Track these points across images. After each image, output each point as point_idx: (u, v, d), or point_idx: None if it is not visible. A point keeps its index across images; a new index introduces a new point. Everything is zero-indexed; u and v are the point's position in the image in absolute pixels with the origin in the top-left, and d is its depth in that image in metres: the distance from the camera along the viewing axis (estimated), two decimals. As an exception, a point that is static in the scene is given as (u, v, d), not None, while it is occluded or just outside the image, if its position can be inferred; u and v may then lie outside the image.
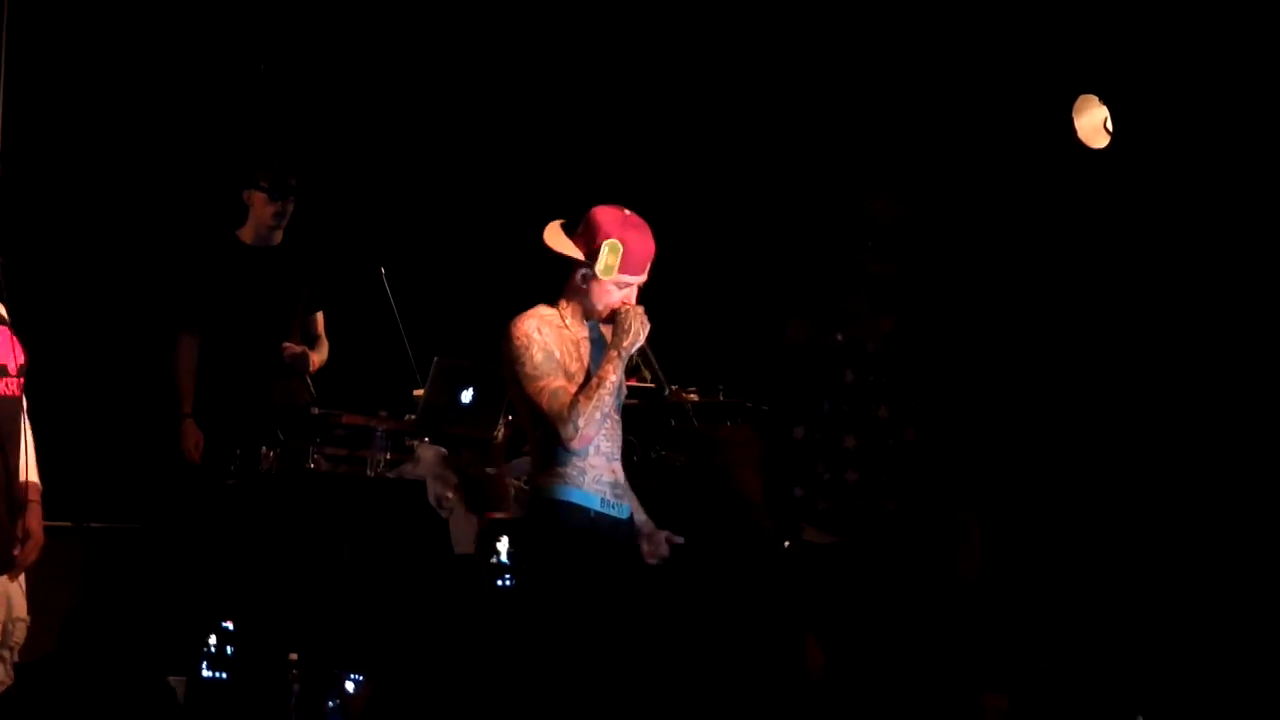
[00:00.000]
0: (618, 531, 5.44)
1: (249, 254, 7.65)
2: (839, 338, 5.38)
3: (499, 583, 6.58)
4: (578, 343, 5.45)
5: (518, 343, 5.37)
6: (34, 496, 5.79)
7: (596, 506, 5.41)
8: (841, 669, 5.12)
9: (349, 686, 6.07)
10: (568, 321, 5.46)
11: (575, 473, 5.39)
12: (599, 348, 5.45)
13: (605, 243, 5.36)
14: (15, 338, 5.81)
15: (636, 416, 6.83)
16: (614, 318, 5.42)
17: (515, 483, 7.11)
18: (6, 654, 5.86)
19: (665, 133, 8.72)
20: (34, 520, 5.78)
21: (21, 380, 5.75)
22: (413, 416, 7.46)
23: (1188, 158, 6.93)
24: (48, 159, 8.21)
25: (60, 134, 8.26)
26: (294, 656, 6.27)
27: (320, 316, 7.82)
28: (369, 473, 7.29)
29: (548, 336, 5.39)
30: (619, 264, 5.36)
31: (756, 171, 8.62)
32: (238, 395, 7.51)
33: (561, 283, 5.50)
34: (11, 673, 5.82)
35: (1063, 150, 7.01)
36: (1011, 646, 5.32)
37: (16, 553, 5.74)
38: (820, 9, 8.16)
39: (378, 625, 6.74)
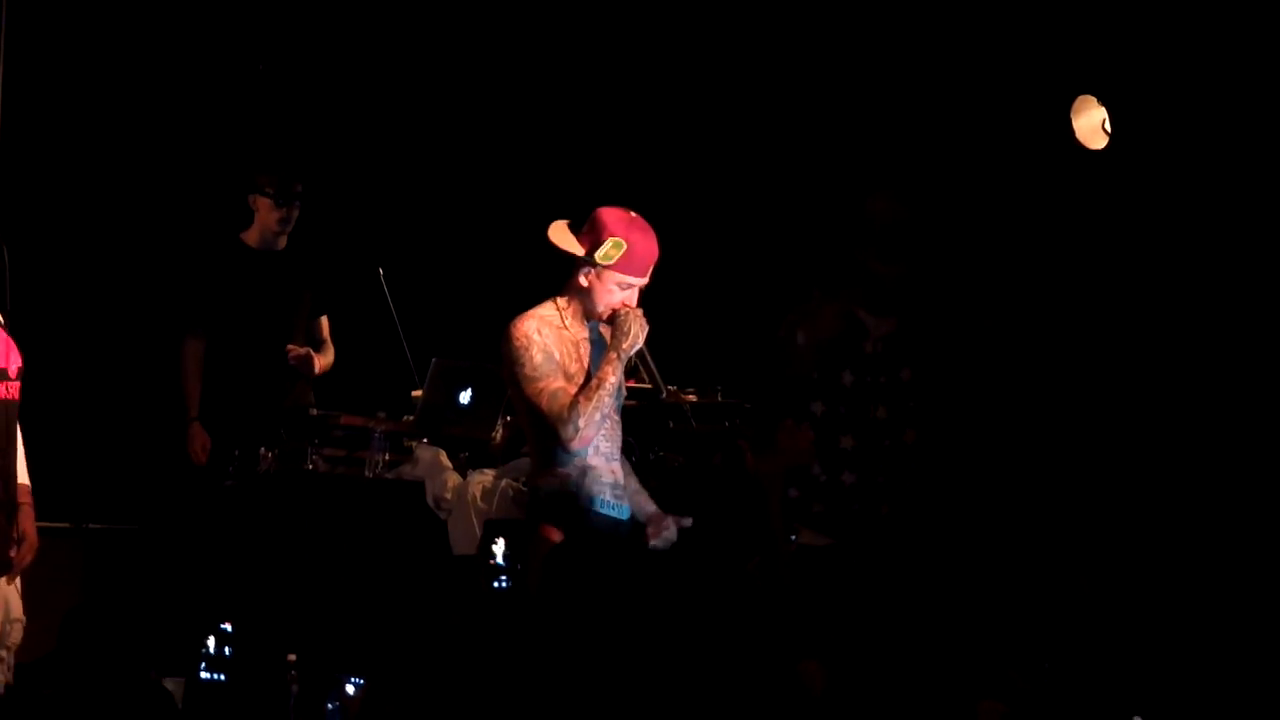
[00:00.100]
0: (617, 532, 5.44)
1: (254, 258, 7.65)
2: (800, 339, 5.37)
3: (495, 584, 6.58)
4: (577, 344, 5.45)
5: (517, 344, 5.38)
6: (25, 499, 5.80)
7: (596, 508, 5.42)
8: (838, 673, 5.11)
9: (348, 688, 6.06)
10: (567, 323, 5.46)
11: (575, 473, 5.40)
12: (598, 349, 5.46)
13: (610, 239, 5.38)
14: (12, 340, 5.81)
15: (635, 417, 6.83)
16: (613, 319, 5.42)
17: (514, 484, 7.11)
18: (4, 654, 5.86)
19: (664, 134, 8.71)
20: (27, 522, 5.80)
21: (19, 384, 5.75)
22: (411, 417, 7.46)
23: (1186, 159, 6.93)
24: (52, 161, 8.22)
25: (65, 136, 8.27)
26: (292, 658, 6.26)
27: (325, 321, 7.82)
28: (367, 474, 7.29)
29: (547, 337, 5.40)
30: (620, 258, 5.38)
31: (756, 172, 8.62)
32: (242, 399, 7.51)
33: (563, 282, 5.51)
34: (9, 673, 5.82)
35: (1061, 151, 7.01)
36: (1010, 650, 5.31)
37: (13, 555, 5.75)
38: (818, 9, 8.16)
39: (376, 627, 6.74)
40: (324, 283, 7.78)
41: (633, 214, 5.48)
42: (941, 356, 5.33)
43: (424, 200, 9.01)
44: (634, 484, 5.64)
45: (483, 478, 7.23)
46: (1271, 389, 6.76)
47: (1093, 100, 6.95)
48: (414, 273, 8.17)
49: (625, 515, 5.48)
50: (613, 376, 5.36)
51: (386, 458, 7.33)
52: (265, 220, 7.64)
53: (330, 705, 6.00)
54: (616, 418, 5.51)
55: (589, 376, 5.39)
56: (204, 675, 6.41)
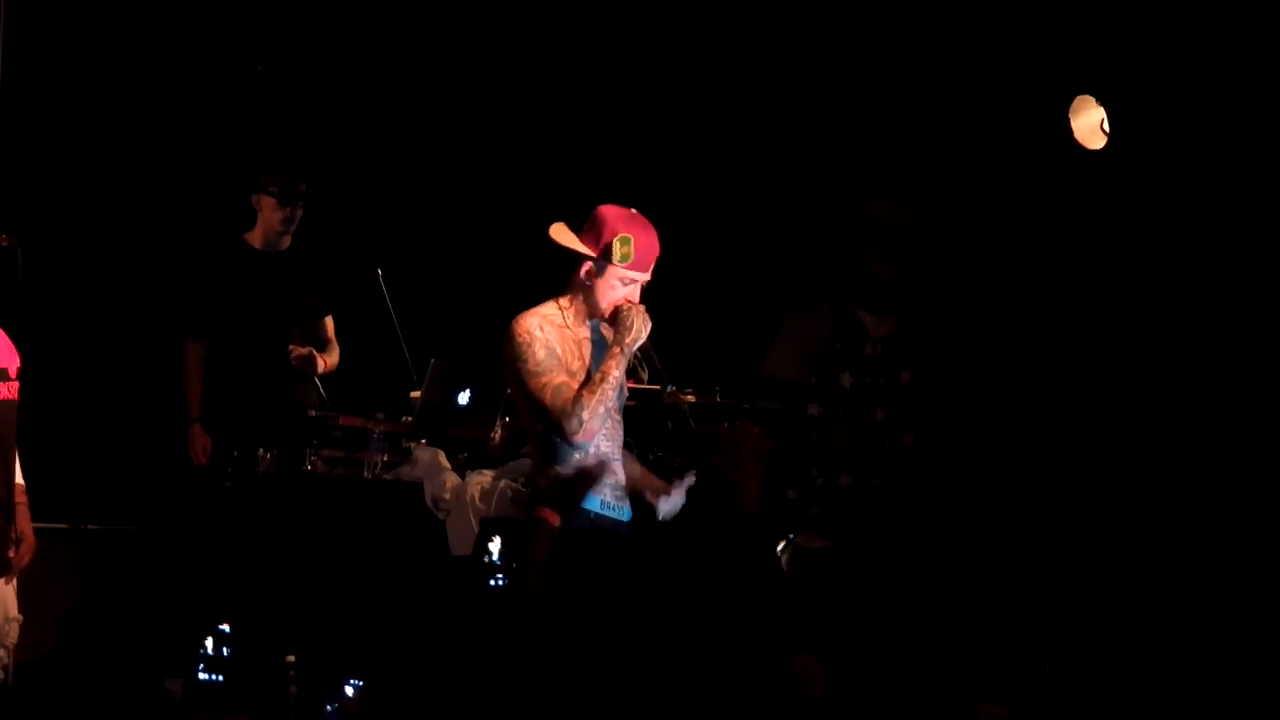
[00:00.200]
0: (618, 533, 5.44)
1: (257, 258, 7.64)
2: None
3: (491, 582, 6.57)
4: (579, 342, 5.46)
5: (520, 340, 5.39)
6: (21, 499, 5.81)
7: (596, 509, 5.42)
8: (836, 675, 5.11)
9: (347, 690, 6.06)
10: (569, 321, 5.47)
11: (575, 473, 5.40)
12: (600, 348, 5.46)
13: (616, 237, 5.39)
14: (10, 341, 5.81)
15: (634, 418, 6.83)
16: (615, 316, 5.44)
17: (513, 485, 7.11)
18: (2, 654, 5.86)
19: (664, 135, 8.72)
20: (25, 522, 5.81)
21: (18, 384, 5.75)
22: (410, 418, 7.45)
23: (1185, 159, 6.93)
24: (54, 161, 8.21)
25: (66, 136, 8.26)
26: (291, 659, 6.26)
27: (330, 321, 7.81)
28: (366, 474, 7.29)
29: (549, 334, 5.41)
30: (633, 254, 5.40)
31: (755, 173, 8.62)
32: (243, 400, 7.50)
33: (563, 283, 5.52)
34: (7, 673, 5.82)
35: (1059, 151, 7.01)
36: (1010, 652, 5.31)
37: (11, 555, 5.76)
38: (817, 11, 8.16)
39: (375, 628, 6.74)
40: (329, 283, 7.77)
41: (633, 210, 5.51)
42: (941, 359, 5.32)
43: (422, 201, 9.01)
44: (636, 469, 5.64)
45: (481, 478, 7.23)
46: (1270, 389, 6.76)
47: (1091, 100, 6.95)
48: (412, 274, 8.17)
49: (626, 517, 5.48)
50: (616, 370, 5.38)
51: (385, 458, 7.33)
52: (269, 220, 7.63)
53: (329, 707, 6.00)
54: (618, 417, 5.52)
55: (590, 375, 5.39)
56: (202, 676, 6.40)
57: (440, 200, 9.00)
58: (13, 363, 5.76)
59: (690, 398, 7.50)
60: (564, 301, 5.49)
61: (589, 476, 5.43)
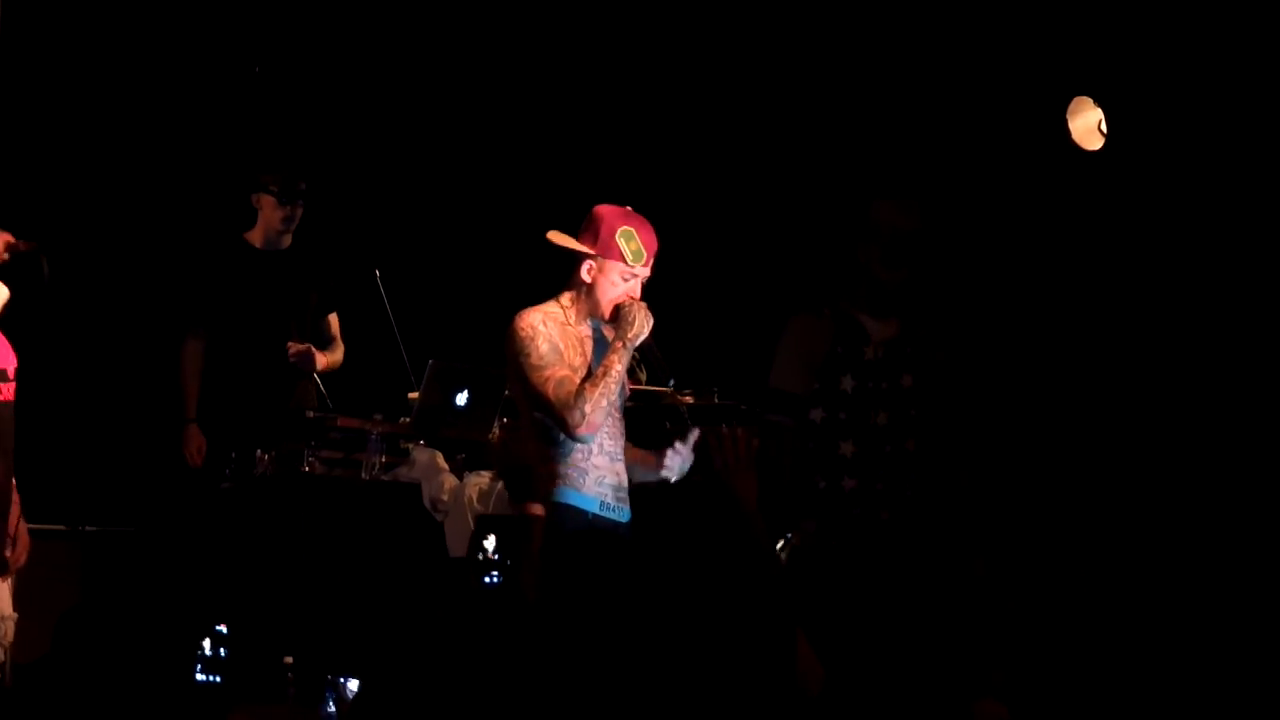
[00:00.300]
0: (616, 535, 5.44)
1: (258, 257, 7.63)
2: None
3: (486, 580, 6.59)
4: (582, 339, 5.47)
5: (523, 334, 5.39)
6: (14, 498, 5.81)
7: (595, 510, 5.41)
8: (837, 676, 5.10)
9: (345, 690, 6.06)
10: (571, 319, 5.48)
11: (575, 474, 5.40)
12: (601, 346, 5.47)
13: (619, 233, 5.42)
14: (7, 341, 5.81)
15: (632, 418, 6.83)
16: (617, 312, 5.45)
17: (511, 486, 7.12)
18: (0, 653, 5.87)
19: (664, 137, 8.72)
20: (19, 521, 5.81)
21: (14, 384, 5.75)
22: (408, 419, 7.45)
23: (1182, 159, 6.93)
24: (54, 158, 8.21)
25: (66, 135, 8.26)
26: (289, 660, 6.26)
27: (334, 318, 7.79)
28: (364, 475, 7.29)
29: (552, 329, 5.42)
30: (638, 250, 5.43)
31: (753, 174, 8.62)
32: (241, 400, 7.49)
33: (563, 283, 5.53)
34: (6, 672, 5.83)
35: (1057, 152, 7.01)
36: (1010, 651, 5.30)
37: (9, 554, 5.77)
38: (818, 15, 8.16)
39: (373, 629, 6.74)
40: (331, 281, 7.75)
41: (627, 207, 5.53)
42: (943, 363, 5.32)
43: (420, 202, 9.01)
44: (635, 451, 5.63)
45: (479, 479, 7.24)
46: (1268, 389, 6.76)
47: (1089, 101, 6.95)
48: (410, 274, 8.17)
49: (625, 518, 5.48)
50: (619, 365, 5.39)
51: (383, 460, 7.33)
52: (269, 219, 7.63)
53: (327, 707, 6.00)
54: (619, 415, 5.52)
55: (592, 371, 5.40)
56: (200, 677, 6.41)
57: (438, 201, 9.00)
58: (10, 363, 5.76)
59: (689, 399, 7.50)
60: (565, 300, 5.50)
61: (587, 477, 5.42)
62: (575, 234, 5.51)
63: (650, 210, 5.58)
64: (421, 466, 7.32)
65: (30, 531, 5.92)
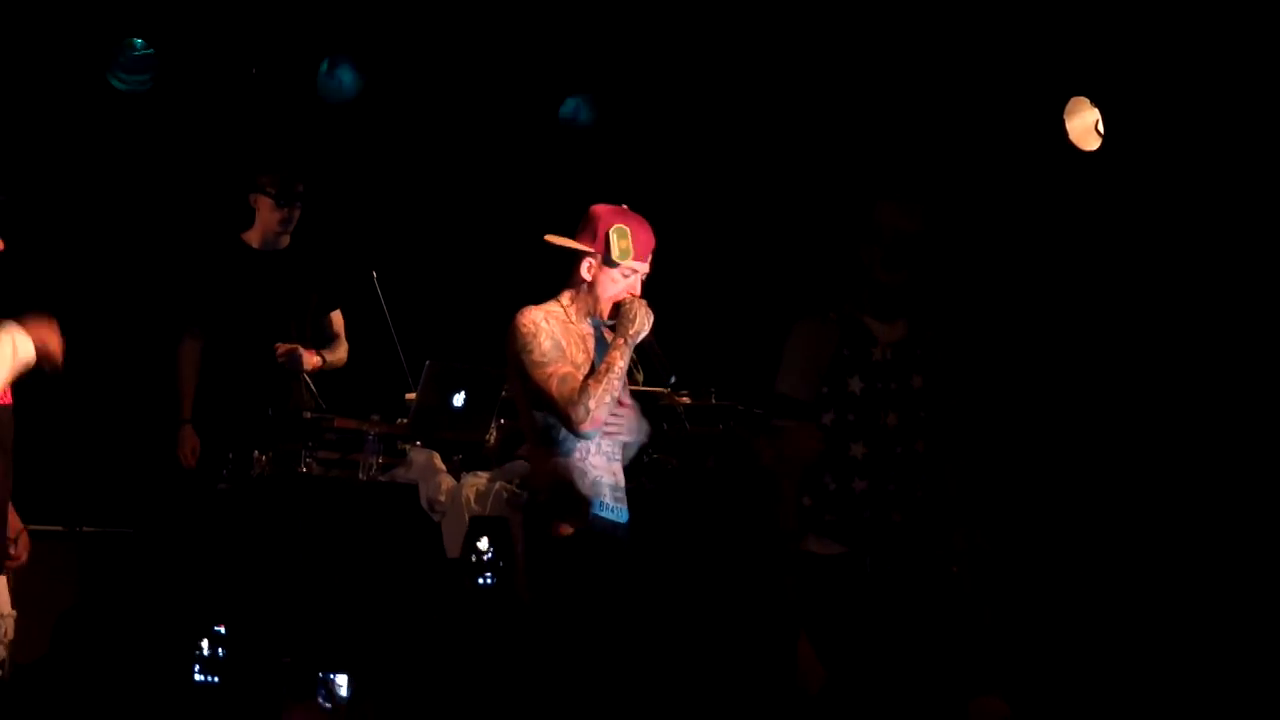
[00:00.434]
0: (614, 535, 5.44)
1: (255, 258, 7.62)
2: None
3: (480, 580, 6.58)
4: (584, 337, 5.48)
5: (525, 331, 5.40)
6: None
7: (594, 510, 5.41)
8: (842, 679, 5.10)
9: (342, 690, 6.06)
10: (572, 317, 5.49)
11: (575, 475, 5.40)
12: (602, 345, 5.48)
13: (611, 230, 5.43)
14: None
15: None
16: (618, 309, 5.46)
17: (508, 486, 7.12)
18: (0, 651, 5.87)
19: (664, 138, 8.72)
20: (16, 521, 5.82)
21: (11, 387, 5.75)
22: (405, 420, 7.45)
23: (1179, 160, 6.94)
24: (51, 158, 8.20)
25: (64, 133, 8.26)
26: (287, 660, 6.25)
27: (337, 316, 7.78)
28: (361, 476, 7.28)
29: (554, 327, 5.43)
30: (634, 247, 5.43)
31: (752, 176, 8.63)
32: (238, 401, 7.49)
33: (562, 284, 5.54)
34: (3, 668, 5.83)
35: (1054, 152, 7.02)
36: (1011, 649, 5.30)
37: (12, 551, 5.78)
38: (819, 18, 8.17)
39: (371, 630, 6.74)
40: (330, 281, 7.74)
41: (624, 206, 5.54)
42: (951, 363, 5.32)
43: (418, 203, 9.01)
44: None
45: (476, 480, 7.23)
46: (1267, 389, 6.77)
47: (1086, 102, 6.97)
48: (408, 275, 8.16)
49: (624, 518, 5.48)
50: (621, 361, 5.40)
51: (380, 460, 7.32)
52: (266, 220, 7.62)
53: (325, 707, 6.00)
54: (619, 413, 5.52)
55: (593, 369, 5.41)
56: (198, 678, 6.40)
57: (435, 203, 9.00)
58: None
59: (686, 399, 7.51)
60: (565, 299, 5.51)
61: (585, 477, 5.42)
62: (574, 235, 5.52)
63: (651, 211, 5.59)
64: (419, 467, 7.32)
65: (28, 532, 5.92)
